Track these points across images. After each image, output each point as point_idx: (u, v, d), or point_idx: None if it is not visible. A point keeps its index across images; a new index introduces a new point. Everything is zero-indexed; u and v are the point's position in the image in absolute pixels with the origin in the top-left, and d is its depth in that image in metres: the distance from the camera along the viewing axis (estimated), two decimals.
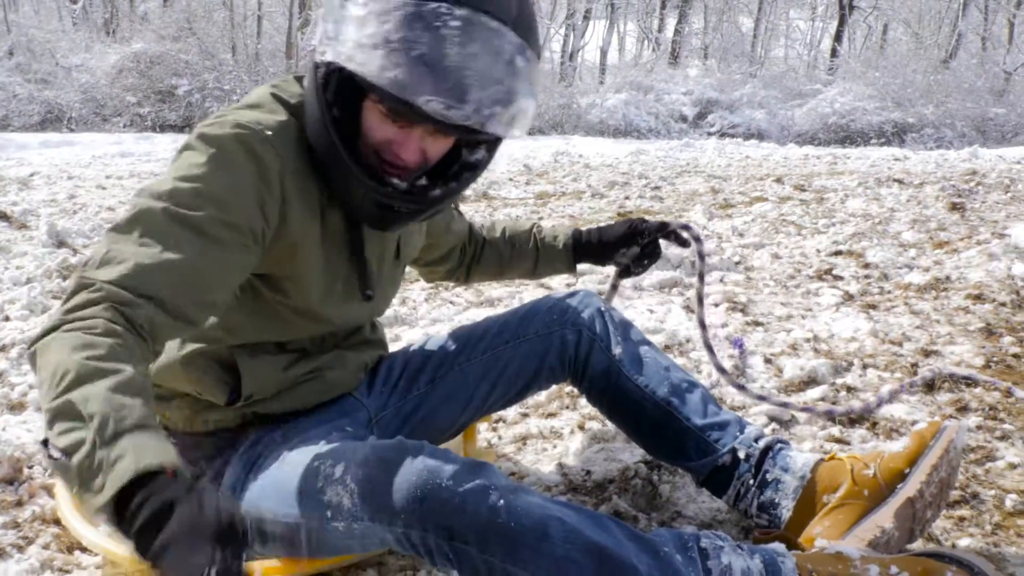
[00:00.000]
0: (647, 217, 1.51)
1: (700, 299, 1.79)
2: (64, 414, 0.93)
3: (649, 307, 2.84)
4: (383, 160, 1.20)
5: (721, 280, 3.23)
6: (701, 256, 1.72)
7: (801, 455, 1.46)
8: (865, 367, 2.35)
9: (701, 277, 1.76)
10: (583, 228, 1.79)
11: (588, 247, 1.75)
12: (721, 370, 1.81)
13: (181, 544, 0.83)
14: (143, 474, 0.87)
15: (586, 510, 1.18)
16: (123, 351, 1.00)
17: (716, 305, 2.90)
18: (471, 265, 1.79)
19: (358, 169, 1.18)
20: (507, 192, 5.99)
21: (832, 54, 21.28)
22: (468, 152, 1.28)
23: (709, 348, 1.81)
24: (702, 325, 1.81)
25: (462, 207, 4.81)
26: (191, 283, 1.10)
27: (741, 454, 1.46)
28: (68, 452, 0.91)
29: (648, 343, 1.60)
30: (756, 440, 1.48)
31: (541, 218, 4.85)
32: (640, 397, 1.54)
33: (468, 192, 5.97)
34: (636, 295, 3.03)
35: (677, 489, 1.63)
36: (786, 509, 1.41)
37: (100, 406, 0.92)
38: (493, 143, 1.29)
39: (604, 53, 21.24)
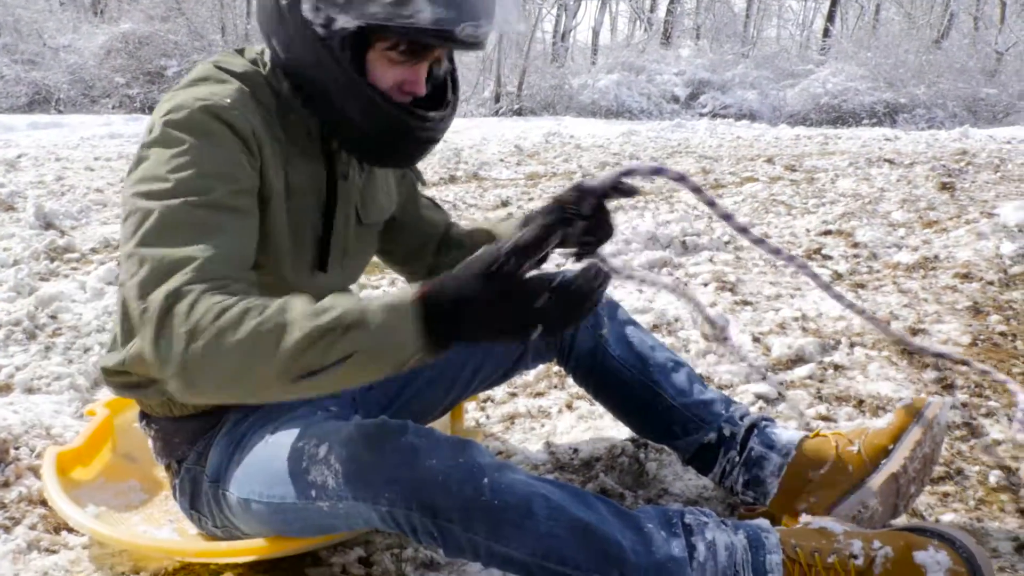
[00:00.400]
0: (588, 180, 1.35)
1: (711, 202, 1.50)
2: (312, 346, 1.00)
3: (638, 287, 2.84)
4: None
5: (711, 260, 3.23)
6: (682, 178, 1.39)
7: (786, 432, 1.47)
8: (852, 345, 2.36)
9: (696, 190, 1.45)
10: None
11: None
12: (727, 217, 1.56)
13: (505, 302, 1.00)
14: (415, 308, 1.01)
15: (571, 487, 1.18)
16: (260, 300, 1.06)
17: (705, 285, 2.91)
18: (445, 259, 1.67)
19: (397, 110, 1.23)
20: (498, 173, 5.97)
21: (824, 34, 21.23)
22: (437, 67, 1.33)
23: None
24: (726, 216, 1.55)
25: (447, 199, 4.80)
26: (239, 256, 1.15)
27: (726, 432, 1.47)
28: (345, 356, 1.00)
29: (634, 323, 1.60)
30: (741, 418, 1.49)
31: (532, 199, 4.84)
32: (626, 377, 1.54)
33: (459, 173, 5.96)
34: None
35: (664, 467, 1.64)
36: (771, 486, 1.42)
37: (331, 315, 1.01)
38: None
39: (596, 33, 21.15)
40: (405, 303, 1.02)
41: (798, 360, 2.24)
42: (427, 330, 1.01)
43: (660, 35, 21.28)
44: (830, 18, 21.38)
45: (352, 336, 1.00)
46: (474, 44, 1.21)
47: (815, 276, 1.64)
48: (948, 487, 1.62)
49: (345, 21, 1.17)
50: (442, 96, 1.34)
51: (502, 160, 6.72)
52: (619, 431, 1.79)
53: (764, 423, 1.48)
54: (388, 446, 1.11)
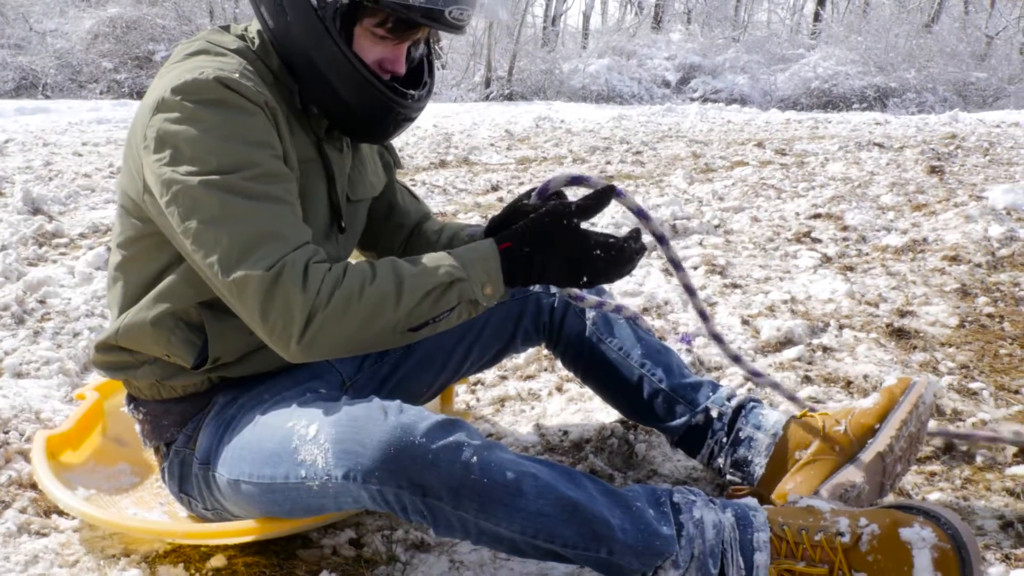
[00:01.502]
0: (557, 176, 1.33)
1: (675, 263, 1.47)
2: (423, 301, 1.16)
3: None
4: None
5: (700, 243, 3.24)
6: (637, 212, 1.35)
7: (773, 413, 1.48)
8: (841, 328, 2.37)
9: (660, 239, 1.42)
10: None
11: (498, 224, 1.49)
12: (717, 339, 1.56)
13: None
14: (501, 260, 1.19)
15: (559, 466, 1.19)
16: (365, 264, 1.19)
17: (695, 268, 2.91)
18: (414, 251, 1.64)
19: (382, 86, 1.27)
20: (488, 158, 5.96)
21: (815, 18, 21.20)
22: (414, 50, 1.37)
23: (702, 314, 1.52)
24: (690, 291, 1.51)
25: (431, 190, 4.80)
26: (302, 220, 1.22)
27: (714, 413, 1.48)
28: (451, 307, 1.18)
29: (622, 306, 1.60)
30: (728, 399, 1.50)
31: (522, 183, 4.84)
32: (614, 360, 1.55)
33: (450, 158, 5.94)
34: None
35: (653, 448, 1.65)
36: (759, 466, 1.43)
37: (438, 273, 1.17)
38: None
39: (587, 18, 21.09)
40: (493, 254, 1.20)
41: (787, 342, 2.25)
42: (508, 277, 1.20)
43: (651, 19, 21.22)
44: (821, 2, 21.35)
45: (456, 289, 1.18)
46: (458, 27, 1.24)
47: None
48: (935, 466, 1.63)
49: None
50: (419, 78, 1.37)
51: (492, 145, 6.71)
52: (608, 413, 1.80)
53: (751, 404, 1.49)
54: (378, 425, 1.12)
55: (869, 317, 2.46)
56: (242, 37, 1.32)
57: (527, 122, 8.62)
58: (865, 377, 2.03)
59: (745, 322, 2.39)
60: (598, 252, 1.20)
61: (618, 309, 1.51)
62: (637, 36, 19.51)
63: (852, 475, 1.35)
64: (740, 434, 1.46)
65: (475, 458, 1.10)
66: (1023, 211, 3.72)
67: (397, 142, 6.78)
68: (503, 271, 1.20)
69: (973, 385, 2.00)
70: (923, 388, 1.43)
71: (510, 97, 16.25)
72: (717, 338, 1.52)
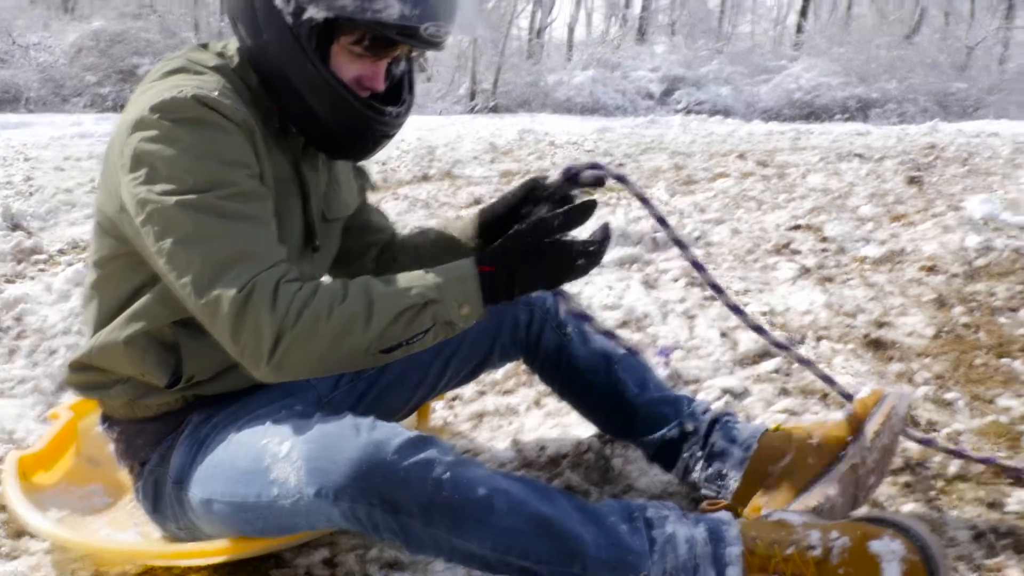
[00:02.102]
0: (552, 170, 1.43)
1: (661, 219, 1.60)
2: (396, 322, 1.15)
3: (608, 283, 2.86)
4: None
5: (680, 256, 3.25)
6: (622, 179, 1.48)
7: (747, 427, 1.48)
8: (819, 339, 2.38)
9: (643, 200, 1.53)
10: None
11: (493, 219, 1.55)
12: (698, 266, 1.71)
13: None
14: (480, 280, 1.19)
15: (533, 482, 1.19)
16: (337, 284, 1.18)
17: (675, 280, 2.92)
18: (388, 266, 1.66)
19: (359, 103, 1.27)
20: (471, 171, 5.97)
21: (798, 30, 21.37)
22: (395, 67, 1.36)
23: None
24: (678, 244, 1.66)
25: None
26: (277, 239, 1.22)
27: (689, 427, 1.49)
28: (426, 329, 1.17)
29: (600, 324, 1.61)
30: (703, 413, 1.50)
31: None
32: (590, 375, 1.56)
33: (433, 171, 5.95)
34: (596, 271, 3.04)
35: (629, 463, 1.65)
36: (733, 480, 1.44)
37: (411, 293, 1.16)
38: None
39: (571, 30, 21.19)
40: (472, 275, 1.19)
41: (765, 354, 2.26)
42: (488, 297, 1.20)
43: (635, 32, 21.34)
44: (803, 13, 21.53)
45: (431, 310, 1.17)
46: (435, 43, 1.25)
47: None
48: (908, 477, 1.64)
49: (314, 11, 1.20)
50: (398, 94, 1.36)
51: (476, 158, 6.72)
52: (586, 428, 1.80)
53: (726, 418, 1.50)
54: (350, 442, 1.12)
55: (847, 328, 2.47)
56: (221, 55, 1.33)
57: (511, 135, 8.64)
58: (842, 388, 2.04)
59: (723, 334, 2.40)
60: (581, 261, 1.22)
61: (631, 350, 1.56)
62: (621, 48, 19.61)
63: (825, 488, 1.36)
64: (714, 448, 1.46)
65: (447, 475, 1.10)
66: (1000, 221, 3.74)
67: (380, 155, 6.78)
68: (484, 291, 1.20)
69: (948, 395, 2.02)
70: (895, 400, 1.44)
71: (495, 110, 16.30)
72: (716, 288, 1.64)
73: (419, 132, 8.76)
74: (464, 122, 11.67)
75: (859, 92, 16.82)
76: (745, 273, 3.05)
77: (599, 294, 2.73)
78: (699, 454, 1.48)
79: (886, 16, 20.47)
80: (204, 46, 1.36)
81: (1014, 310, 2.58)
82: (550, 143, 7.80)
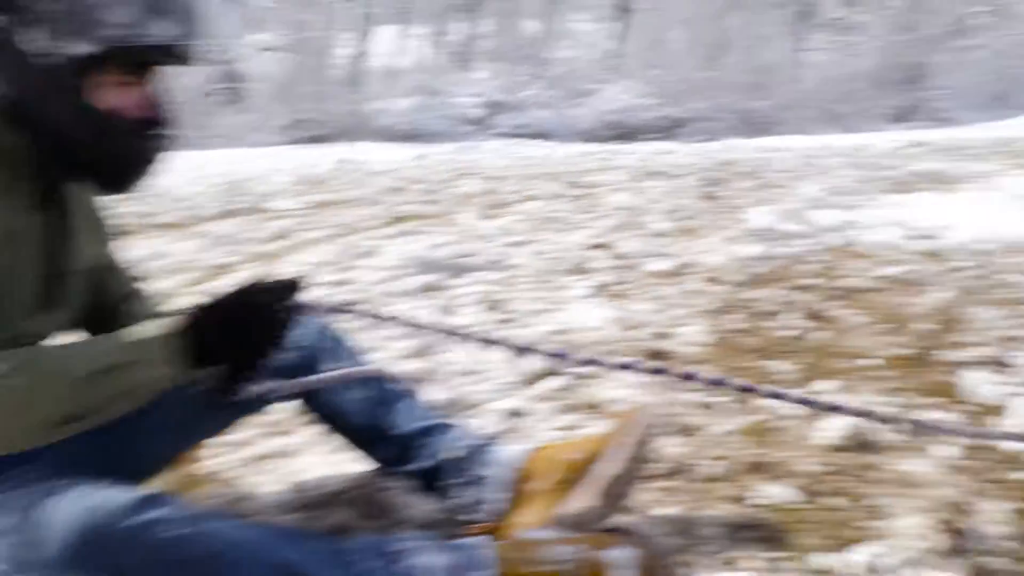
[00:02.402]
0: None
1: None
2: (76, 392, 1.10)
3: (405, 311, 2.86)
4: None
5: (480, 281, 3.30)
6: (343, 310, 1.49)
7: (507, 450, 1.52)
8: (608, 354, 2.47)
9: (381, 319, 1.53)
10: None
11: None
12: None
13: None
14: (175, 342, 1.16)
15: (282, 528, 1.18)
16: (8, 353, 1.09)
17: (473, 305, 2.96)
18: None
19: (124, 133, 1.22)
20: (282, 204, 5.84)
21: (613, 54, 22.29)
22: (154, 93, 1.32)
23: None
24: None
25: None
26: None
27: (448, 456, 1.50)
28: (118, 392, 1.13)
29: (358, 355, 1.61)
30: (463, 440, 1.52)
31: (312, 228, 4.77)
32: (350, 410, 1.55)
33: (240, 206, 5.78)
34: (395, 299, 3.05)
35: (400, 495, 1.65)
36: (493, 504, 1.46)
37: (90, 360, 1.12)
38: None
39: (392, 58, 21.19)
40: (164, 339, 1.16)
41: (550, 373, 2.32)
42: (184, 360, 1.17)
43: (456, 58, 21.61)
44: (619, 38, 22.46)
45: (124, 372, 1.13)
46: (185, 61, 1.24)
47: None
48: (670, 482, 1.72)
49: (61, 53, 1.14)
50: (158, 120, 1.31)
51: (287, 190, 6.59)
52: (361, 464, 1.78)
53: (485, 444, 1.53)
54: (59, 511, 1.05)
55: (632, 342, 2.58)
56: None
57: (328, 165, 8.53)
58: (621, 402, 2.12)
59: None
60: (281, 316, 1.24)
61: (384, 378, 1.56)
62: (443, 75, 19.81)
63: (578, 502, 1.40)
64: (474, 474, 1.49)
65: (179, 532, 1.06)
66: (779, 231, 4.03)
67: (183, 192, 6.53)
68: (180, 353, 1.16)
69: (716, 400, 2.13)
70: (648, 412, 1.51)
71: (315, 140, 16.03)
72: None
73: (228, 165, 8.50)
74: (279, 153, 11.42)
75: (670, 112, 17.71)
76: (541, 294, 3.13)
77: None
78: (459, 480, 1.49)
79: (696, 39, 21.65)
80: None
81: (774, 314, 2.78)
82: (366, 172, 7.75)
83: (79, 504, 1.05)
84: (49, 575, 1.03)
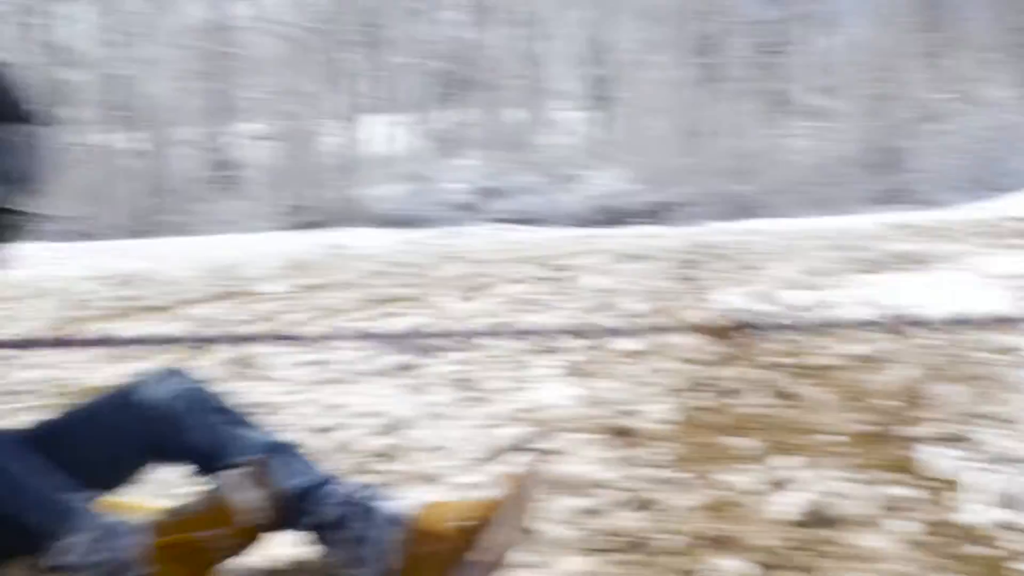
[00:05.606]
0: None
1: None
2: None
3: (375, 391, 2.90)
4: None
5: (452, 361, 3.34)
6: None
7: (390, 507, 1.51)
8: (574, 431, 2.50)
9: None
10: None
11: None
12: None
13: None
14: None
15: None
16: None
17: (443, 384, 3.00)
18: None
19: None
20: (269, 287, 5.91)
21: (596, 141, 22.77)
22: None
23: None
24: None
25: None
26: None
27: (328, 515, 1.50)
28: None
29: (227, 411, 1.63)
30: (342, 497, 1.52)
31: (297, 312, 4.83)
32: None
33: (230, 289, 5.85)
34: (364, 379, 3.09)
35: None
36: (377, 564, 1.46)
37: None
38: None
39: (380, 145, 21.60)
40: None
41: (515, 449, 2.34)
42: None
43: (444, 145, 22.04)
44: (602, 125, 22.98)
45: None
46: None
47: None
48: (627, 556, 1.74)
49: None
50: None
51: (275, 274, 6.68)
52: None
53: (369, 497, 1.52)
54: None
55: (597, 420, 2.61)
56: None
57: (318, 250, 8.66)
58: (579, 477, 2.14)
59: (481, 432, 2.48)
60: None
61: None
62: (432, 162, 20.19)
63: (464, 570, 1.42)
64: (353, 533, 1.48)
65: None
66: (751, 309, 4.10)
67: (170, 275, 6.60)
68: None
69: (682, 475, 2.15)
70: (529, 478, 1.55)
71: (309, 226, 16.23)
72: None
73: (218, 250, 8.62)
74: (274, 239, 11.57)
75: (655, 197, 18.05)
76: (512, 373, 3.17)
77: (364, 402, 2.77)
78: (340, 538, 1.49)
79: (678, 127, 22.14)
80: None
81: (740, 392, 2.83)
82: (353, 256, 7.87)
83: None
84: None
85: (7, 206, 1.38)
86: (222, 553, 1.43)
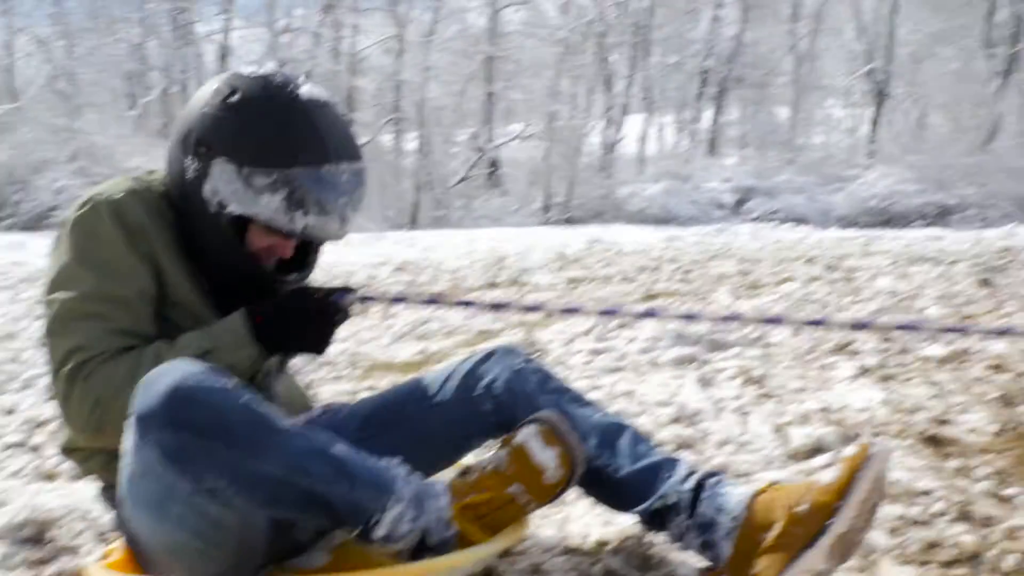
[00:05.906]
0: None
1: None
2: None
3: (662, 381, 2.90)
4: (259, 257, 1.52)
5: (737, 355, 3.27)
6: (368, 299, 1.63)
7: (734, 491, 1.49)
8: (876, 435, 2.36)
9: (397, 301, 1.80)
10: None
11: None
12: None
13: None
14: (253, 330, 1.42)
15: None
16: (134, 352, 1.38)
17: (732, 379, 2.94)
18: None
19: (259, 275, 1.51)
20: (539, 279, 6.11)
21: (870, 140, 21.41)
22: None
23: None
24: None
25: None
26: (120, 332, 1.39)
27: (673, 497, 1.50)
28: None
29: (566, 391, 1.65)
30: (688, 477, 1.51)
31: (568, 301, 4.95)
32: None
33: (501, 279, 6.11)
34: (651, 369, 3.10)
35: (672, 550, 1.66)
36: (724, 549, 1.44)
37: (192, 347, 1.38)
38: None
39: (643, 143, 21.65)
40: (245, 327, 1.41)
41: (817, 450, 2.25)
42: (260, 345, 1.42)
43: (706, 144, 21.69)
44: (875, 124, 21.57)
45: (209, 360, 1.32)
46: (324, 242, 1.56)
47: None
48: (962, 570, 1.61)
49: (234, 208, 1.43)
50: (304, 257, 1.59)
51: (544, 266, 6.88)
52: (630, 517, 1.82)
53: (711, 481, 1.51)
54: (162, 379, 1.26)
55: (904, 425, 2.45)
56: (163, 181, 1.54)
57: (580, 244, 8.83)
58: (896, 483, 2.02)
59: (777, 430, 2.41)
60: (338, 316, 1.48)
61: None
62: (692, 161, 19.94)
63: (815, 560, 1.35)
64: (702, 518, 1.47)
65: (247, 399, 1.28)
66: None
67: (450, 265, 6.99)
68: (258, 340, 1.41)
69: (1008, 491, 1.98)
70: (881, 460, 1.40)
71: (569, 222, 16.63)
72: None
73: (491, 242, 9.02)
74: (536, 233, 11.95)
75: (937, 198, 16.67)
76: (803, 372, 3.06)
77: (652, 391, 2.77)
78: (686, 523, 1.48)
79: (960, 124, 20.35)
80: (151, 172, 1.59)
81: None
82: (617, 252, 7.93)
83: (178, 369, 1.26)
84: (144, 433, 1.23)
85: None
86: (519, 510, 1.47)
